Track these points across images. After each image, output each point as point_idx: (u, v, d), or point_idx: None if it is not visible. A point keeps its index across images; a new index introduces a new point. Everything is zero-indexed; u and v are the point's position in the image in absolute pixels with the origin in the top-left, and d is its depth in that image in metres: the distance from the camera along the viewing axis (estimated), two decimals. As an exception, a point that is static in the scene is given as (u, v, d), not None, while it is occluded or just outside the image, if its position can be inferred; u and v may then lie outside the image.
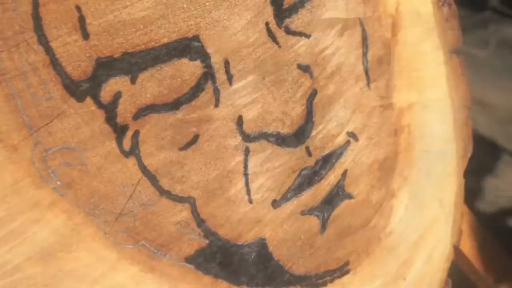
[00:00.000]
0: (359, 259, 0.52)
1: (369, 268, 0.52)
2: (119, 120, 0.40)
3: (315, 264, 0.49)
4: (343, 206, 0.51)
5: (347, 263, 0.51)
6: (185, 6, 0.42)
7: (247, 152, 0.45)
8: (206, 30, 0.43)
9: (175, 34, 0.41)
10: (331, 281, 0.50)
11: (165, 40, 0.41)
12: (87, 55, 0.38)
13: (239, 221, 0.45)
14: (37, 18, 0.36)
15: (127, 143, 0.40)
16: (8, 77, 0.35)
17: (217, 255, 0.44)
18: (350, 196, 0.51)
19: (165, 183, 0.42)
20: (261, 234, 0.46)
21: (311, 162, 0.48)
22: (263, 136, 0.46)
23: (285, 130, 0.47)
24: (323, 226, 0.50)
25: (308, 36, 0.47)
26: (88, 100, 0.38)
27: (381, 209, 0.53)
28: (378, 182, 0.53)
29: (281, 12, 0.46)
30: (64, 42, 0.37)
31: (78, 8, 0.37)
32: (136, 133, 0.40)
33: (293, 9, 0.46)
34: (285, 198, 0.47)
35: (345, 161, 0.50)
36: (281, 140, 0.47)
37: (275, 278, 0.47)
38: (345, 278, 0.51)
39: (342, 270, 0.51)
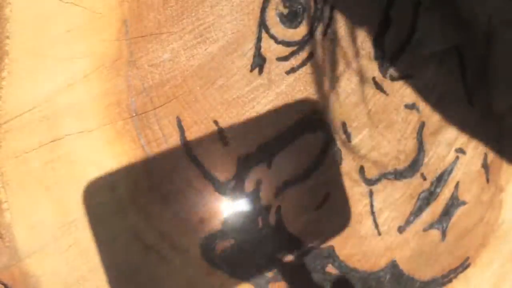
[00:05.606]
0: (477, 252, 0.58)
1: (486, 257, 0.59)
2: (263, 202, 0.46)
3: (440, 268, 0.56)
4: (459, 213, 0.56)
5: (467, 259, 0.58)
6: (302, 88, 0.47)
7: (371, 194, 0.51)
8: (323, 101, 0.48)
9: (297, 115, 0.47)
10: (455, 277, 0.57)
11: (290, 122, 0.47)
12: (229, 158, 0.45)
13: (372, 252, 0.52)
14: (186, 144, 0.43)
15: (272, 219, 0.47)
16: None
17: (357, 284, 0.52)
18: (464, 203, 0.57)
19: (308, 241, 0.49)
20: (392, 257, 0.53)
21: (426, 185, 0.54)
22: (383, 176, 0.52)
23: (401, 166, 0.53)
24: (443, 235, 0.56)
25: (411, 77, 0.51)
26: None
27: (492, 205, 0.58)
28: (487, 183, 0.58)
29: (385, 64, 0.50)
30: (208, 153, 0.44)
31: (215, 122, 0.44)
32: (278, 209, 0.47)
33: (395, 57, 0.50)
34: (408, 222, 0.54)
35: (456, 174, 0.56)
36: (398, 175, 0.52)
37: None
38: (467, 271, 0.58)
39: (463, 266, 0.58)
